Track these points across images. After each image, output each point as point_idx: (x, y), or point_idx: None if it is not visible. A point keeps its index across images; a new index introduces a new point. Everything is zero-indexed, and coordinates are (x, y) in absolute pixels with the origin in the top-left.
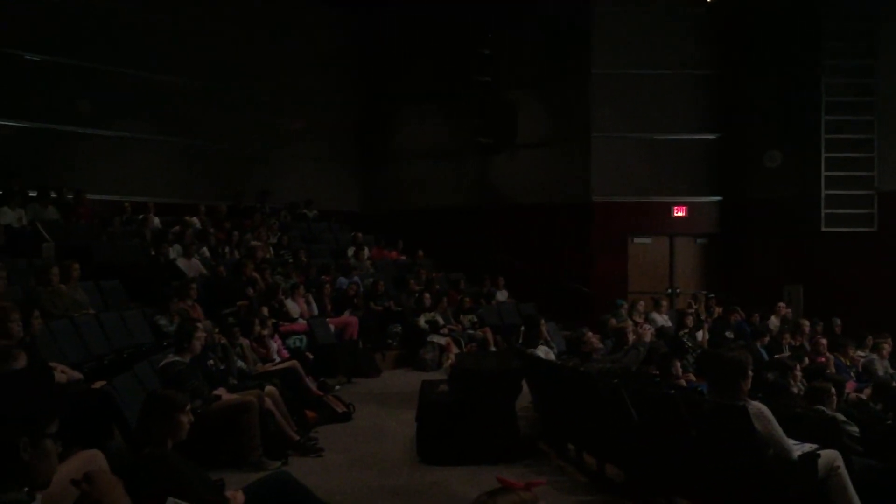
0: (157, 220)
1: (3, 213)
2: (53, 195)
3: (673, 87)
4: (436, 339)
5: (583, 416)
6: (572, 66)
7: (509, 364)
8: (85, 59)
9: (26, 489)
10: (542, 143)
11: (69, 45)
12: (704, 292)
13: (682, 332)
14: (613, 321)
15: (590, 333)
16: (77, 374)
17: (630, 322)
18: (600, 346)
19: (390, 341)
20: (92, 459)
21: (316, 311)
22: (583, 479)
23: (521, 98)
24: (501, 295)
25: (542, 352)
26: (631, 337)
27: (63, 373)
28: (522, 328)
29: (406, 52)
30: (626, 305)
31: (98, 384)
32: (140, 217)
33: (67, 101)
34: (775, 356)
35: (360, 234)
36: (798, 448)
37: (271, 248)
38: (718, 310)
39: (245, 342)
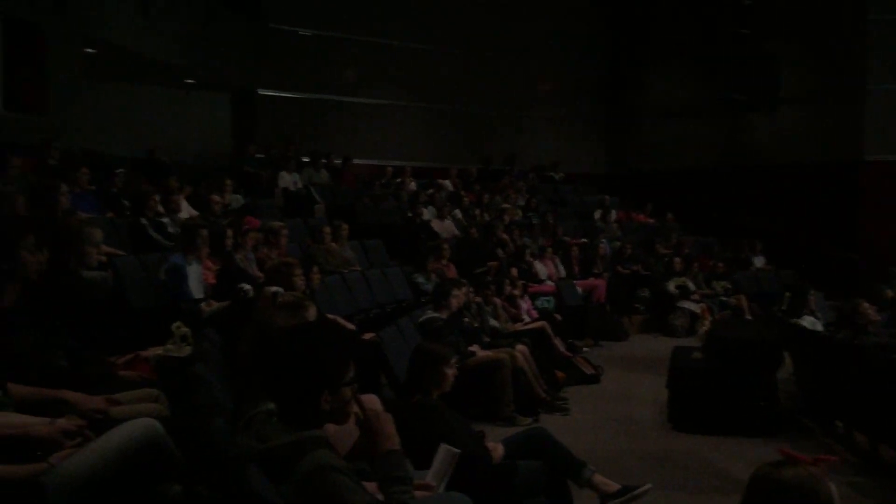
0: (413, 183)
1: (281, 178)
2: (323, 161)
3: None
4: (687, 304)
5: (855, 393)
6: (845, 11)
7: (770, 334)
8: (349, 31)
9: None
10: (805, 98)
11: (335, 19)
12: None
13: None
14: (889, 292)
15: (865, 304)
16: (351, 326)
17: None
18: (877, 318)
19: (638, 305)
20: (371, 402)
21: (563, 274)
22: (853, 459)
23: (782, 50)
24: (759, 261)
25: (808, 322)
26: None
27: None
28: (787, 296)
29: (656, 8)
30: None
31: (368, 335)
32: (398, 180)
33: (334, 71)
34: None
35: (606, 197)
36: None
37: (519, 211)
38: None
39: (498, 302)
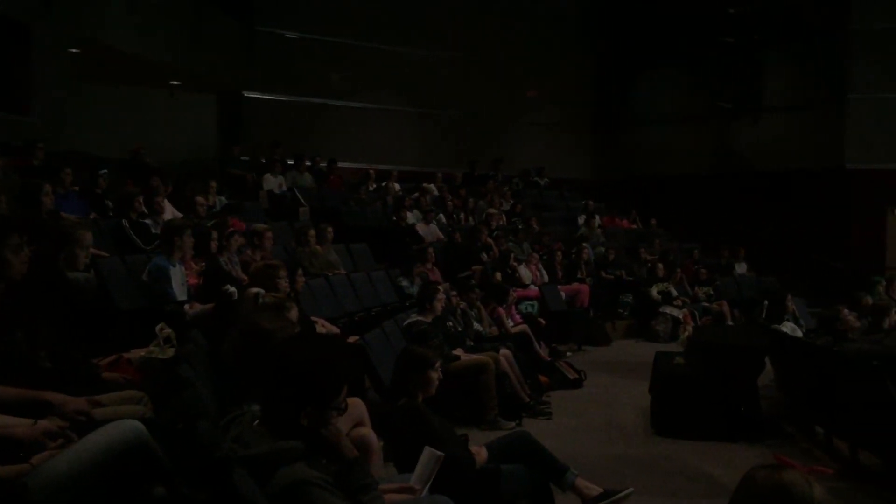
0: (398, 187)
1: (266, 180)
2: (308, 163)
3: None
4: (670, 310)
5: (836, 399)
6: (828, 21)
7: (752, 339)
8: (336, 35)
9: None
10: (789, 107)
11: (323, 23)
12: None
13: None
14: (869, 299)
15: (846, 311)
16: (335, 329)
17: (891, 300)
18: (857, 325)
19: (621, 311)
20: (355, 406)
21: (547, 279)
22: (834, 466)
23: (767, 59)
24: (741, 267)
25: (789, 328)
26: (893, 317)
27: (323, 327)
28: (766, 303)
29: (644, 16)
30: (883, 283)
31: (352, 339)
32: (383, 184)
33: (321, 75)
34: None
35: (591, 202)
36: None
37: (504, 216)
38: None
39: (481, 306)
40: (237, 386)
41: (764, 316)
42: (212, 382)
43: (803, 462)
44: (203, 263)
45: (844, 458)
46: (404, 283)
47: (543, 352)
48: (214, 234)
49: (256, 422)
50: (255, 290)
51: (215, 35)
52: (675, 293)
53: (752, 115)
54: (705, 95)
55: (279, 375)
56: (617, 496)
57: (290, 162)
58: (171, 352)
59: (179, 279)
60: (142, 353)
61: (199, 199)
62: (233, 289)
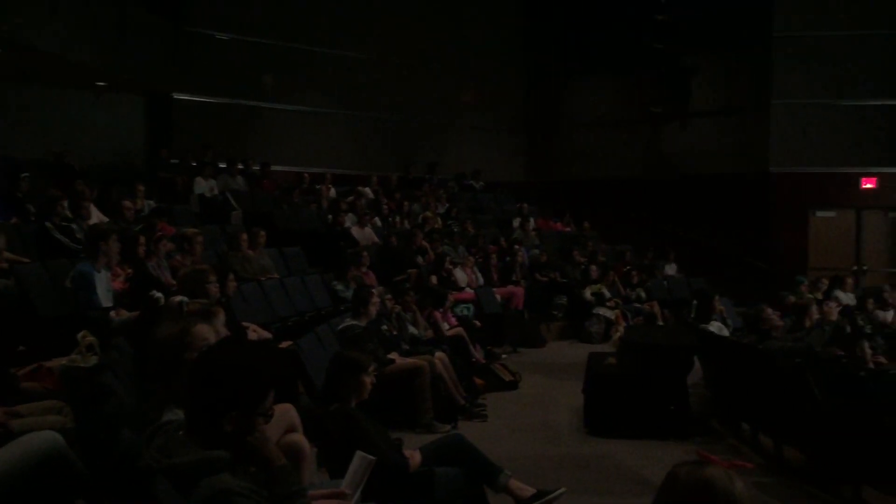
0: (332, 191)
1: (197, 184)
2: (241, 167)
3: (862, 49)
4: (603, 311)
5: (760, 396)
6: (752, 29)
7: (681, 339)
8: (268, 36)
9: None
10: (717, 112)
11: (254, 25)
12: None
13: (858, 313)
14: (792, 298)
15: (769, 310)
16: (267, 334)
17: (813, 300)
18: (780, 323)
19: (555, 312)
20: (286, 413)
21: (482, 281)
22: (759, 461)
23: (696, 64)
24: (670, 268)
25: (716, 328)
26: (814, 315)
27: (255, 332)
28: (694, 303)
29: (578, 21)
30: (806, 283)
31: (285, 344)
32: (317, 187)
33: (253, 77)
34: None
35: (525, 205)
36: None
37: (439, 219)
38: None
39: (416, 309)
40: (158, 393)
41: (693, 316)
42: (137, 390)
43: (726, 458)
44: (130, 269)
45: (769, 454)
46: (339, 286)
47: (479, 354)
48: (142, 239)
49: (181, 431)
50: (178, 298)
51: (143, 36)
52: (608, 294)
53: (680, 120)
54: (636, 100)
55: (202, 382)
56: (549, 496)
57: (222, 165)
58: (93, 360)
59: (104, 285)
60: (63, 361)
61: (127, 203)
62: (159, 294)
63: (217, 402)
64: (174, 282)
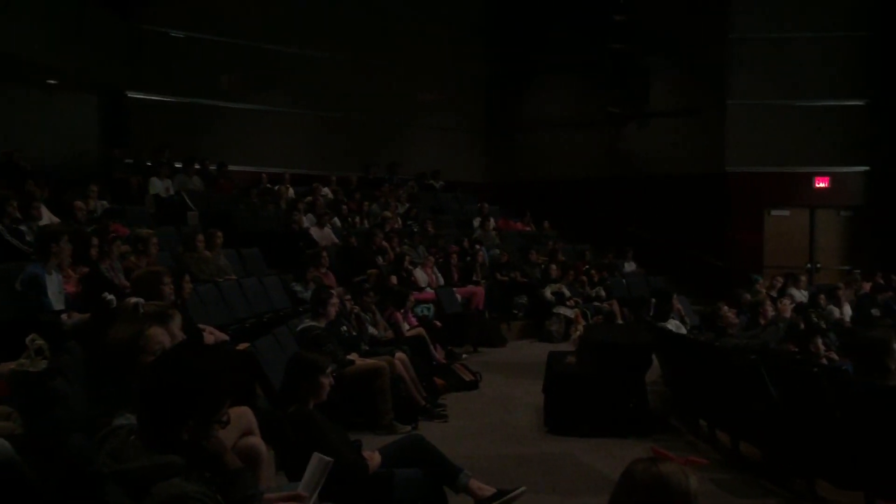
0: (291, 191)
1: (153, 184)
2: (197, 166)
3: (816, 51)
4: (563, 310)
5: (717, 393)
6: (709, 30)
7: (640, 337)
8: (225, 34)
9: None
10: (674, 112)
11: (210, 22)
12: (858, 271)
13: (811, 310)
14: (748, 296)
15: (725, 308)
16: (224, 336)
17: (768, 297)
18: (736, 321)
19: (516, 312)
20: (242, 416)
21: (442, 281)
22: (716, 457)
23: (654, 65)
24: (629, 266)
25: (674, 326)
26: (769, 313)
27: (211, 334)
28: (653, 301)
29: (538, 22)
30: (761, 281)
31: (242, 346)
32: (276, 187)
33: (210, 75)
34: None
35: (486, 205)
36: None
37: (399, 219)
38: (866, 286)
39: (376, 310)
40: (109, 398)
41: (651, 314)
42: (88, 395)
43: (682, 454)
44: (83, 271)
45: (726, 450)
46: (298, 287)
47: (439, 354)
48: (95, 241)
49: (133, 436)
50: (134, 299)
51: (97, 33)
52: (567, 294)
53: (639, 120)
54: (595, 100)
55: (157, 388)
56: (509, 496)
57: (178, 165)
58: (42, 364)
59: (56, 288)
60: (11, 366)
61: (79, 203)
62: (111, 296)
63: (173, 409)
64: (128, 284)
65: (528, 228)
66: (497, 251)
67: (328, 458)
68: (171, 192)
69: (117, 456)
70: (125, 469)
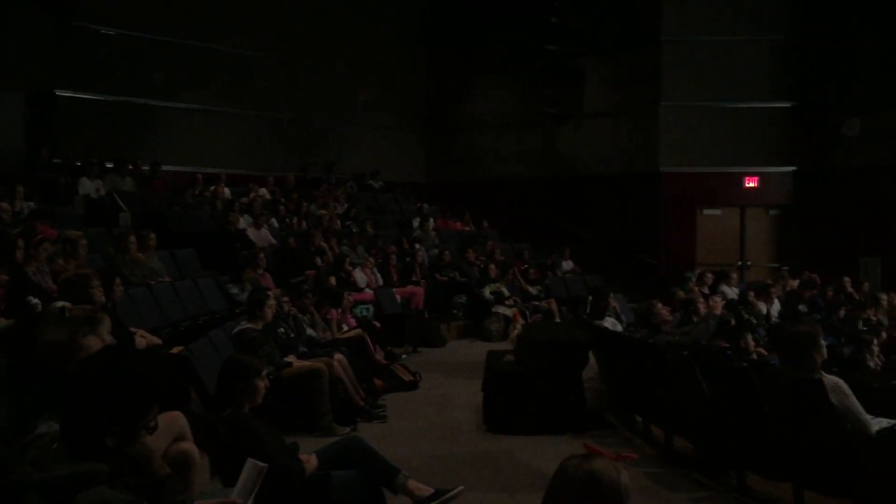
0: (227, 191)
1: (82, 184)
2: (130, 167)
3: (745, 54)
4: (501, 309)
5: (651, 389)
6: (641, 33)
7: (576, 335)
8: (158, 32)
9: None
10: (609, 113)
11: (143, 19)
12: (786, 268)
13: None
14: (681, 293)
15: (659, 305)
16: (157, 340)
17: (700, 294)
18: (670, 318)
19: (455, 312)
20: (174, 421)
21: (382, 282)
22: (651, 452)
23: (588, 67)
24: (567, 265)
25: (610, 323)
26: (701, 309)
27: (143, 338)
28: (590, 299)
29: (476, 22)
30: (694, 279)
31: (176, 349)
32: (211, 188)
33: (142, 74)
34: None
35: (425, 205)
36: (876, 423)
37: (338, 219)
38: (793, 283)
39: (314, 311)
40: (32, 405)
41: (588, 312)
42: (10, 402)
43: (614, 450)
44: (7, 274)
45: (660, 444)
46: (234, 289)
47: (379, 355)
48: (20, 243)
49: (56, 444)
50: (60, 303)
51: (23, 29)
52: (507, 293)
53: (574, 120)
54: (532, 101)
55: (81, 395)
56: (447, 495)
57: (109, 165)
58: None
59: None
60: None
61: (4, 205)
62: (35, 300)
63: (98, 415)
64: (55, 287)
65: (467, 228)
66: (436, 251)
67: (262, 464)
68: (102, 192)
69: (40, 464)
70: (47, 478)
